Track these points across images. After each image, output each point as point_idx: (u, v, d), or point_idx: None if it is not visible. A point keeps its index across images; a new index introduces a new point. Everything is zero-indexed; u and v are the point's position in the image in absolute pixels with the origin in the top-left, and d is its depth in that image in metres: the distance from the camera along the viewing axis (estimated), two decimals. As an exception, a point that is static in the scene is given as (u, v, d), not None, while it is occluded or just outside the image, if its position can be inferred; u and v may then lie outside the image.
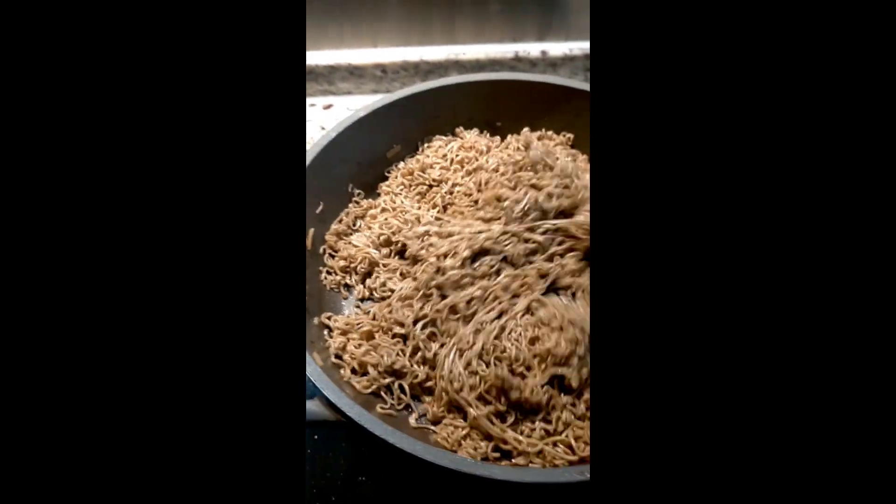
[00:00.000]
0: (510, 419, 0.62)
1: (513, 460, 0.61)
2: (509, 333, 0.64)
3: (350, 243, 0.76)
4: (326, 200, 0.77)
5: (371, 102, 0.80)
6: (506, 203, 0.69)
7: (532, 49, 1.16)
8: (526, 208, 0.67)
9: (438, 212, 0.77)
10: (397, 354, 0.65)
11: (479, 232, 0.68)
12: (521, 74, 0.86)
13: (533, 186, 0.69)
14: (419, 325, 0.66)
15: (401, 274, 0.73)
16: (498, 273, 0.67)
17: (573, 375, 0.61)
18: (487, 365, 0.62)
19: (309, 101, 1.16)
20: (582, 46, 1.17)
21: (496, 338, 0.64)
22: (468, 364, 0.62)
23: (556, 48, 1.16)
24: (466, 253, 0.67)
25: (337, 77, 1.18)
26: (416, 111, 0.83)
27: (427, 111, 0.84)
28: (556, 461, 0.59)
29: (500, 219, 0.69)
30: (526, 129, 0.87)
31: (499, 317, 0.65)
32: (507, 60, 1.17)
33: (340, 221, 0.80)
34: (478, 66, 1.16)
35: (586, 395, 0.63)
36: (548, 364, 0.62)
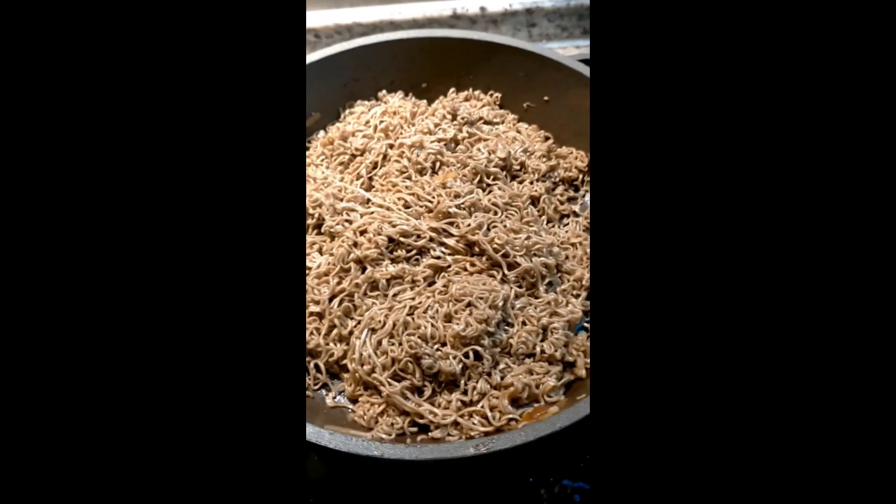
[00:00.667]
0: (427, 392, 0.61)
1: (430, 433, 0.59)
2: (425, 311, 0.62)
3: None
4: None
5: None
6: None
7: (470, 5, 1.10)
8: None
9: (363, 184, 0.74)
10: (311, 333, 0.63)
11: (406, 219, 0.66)
12: (441, 31, 0.81)
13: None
14: (335, 301, 0.64)
15: (319, 250, 0.70)
16: (417, 261, 0.66)
17: (486, 353, 0.60)
18: (399, 344, 0.60)
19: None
20: (522, 1, 1.11)
21: (409, 315, 0.62)
22: (379, 344, 0.60)
23: (496, 3, 1.11)
24: (384, 236, 0.65)
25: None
26: (334, 75, 0.79)
27: (345, 75, 0.80)
28: (471, 432, 0.58)
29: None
30: (452, 91, 0.84)
31: (413, 297, 0.63)
32: (445, 19, 1.11)
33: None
34: (415, 25, 1.10)
35: (502, 364, 0.61)
36: (459, 343, 0.60)
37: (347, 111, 0.82)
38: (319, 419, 0.60)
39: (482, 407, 0.59)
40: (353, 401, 0.63)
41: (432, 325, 0.61)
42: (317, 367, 0.64)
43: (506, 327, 0.63)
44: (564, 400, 0.60)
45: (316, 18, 1.10)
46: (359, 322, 0.63)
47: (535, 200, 0.74)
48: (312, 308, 0.65)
